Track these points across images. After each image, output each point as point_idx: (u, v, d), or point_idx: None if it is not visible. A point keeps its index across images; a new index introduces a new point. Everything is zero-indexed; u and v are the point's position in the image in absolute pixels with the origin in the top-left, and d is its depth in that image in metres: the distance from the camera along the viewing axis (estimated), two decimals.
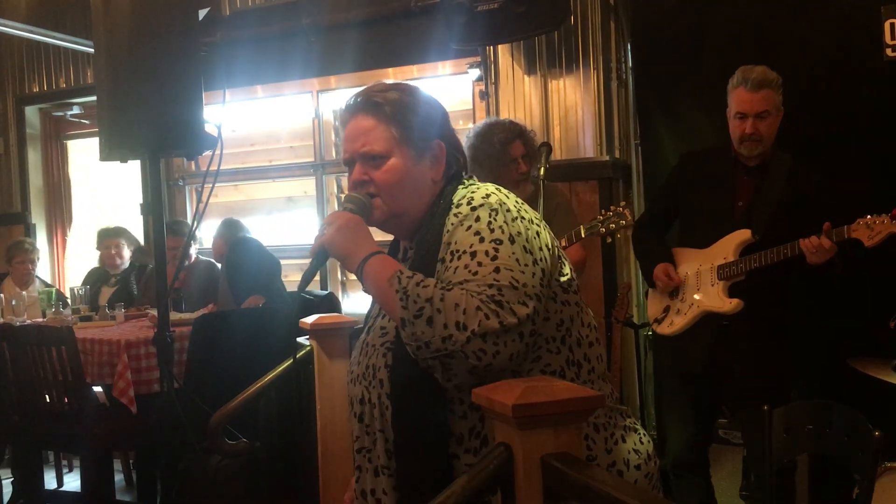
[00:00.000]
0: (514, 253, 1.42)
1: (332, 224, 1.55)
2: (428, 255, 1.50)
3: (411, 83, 1.69)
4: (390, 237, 1.76)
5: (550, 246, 1.53)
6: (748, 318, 2.86)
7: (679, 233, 3.18)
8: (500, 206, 1.48)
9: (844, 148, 3.38)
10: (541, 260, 1.46)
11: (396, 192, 1.58)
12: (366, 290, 1.54)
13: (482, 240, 1.43)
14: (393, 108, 1.58)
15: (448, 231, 1.48)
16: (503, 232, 1.44)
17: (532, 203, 3.27)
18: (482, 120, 3.71)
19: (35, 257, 5.42)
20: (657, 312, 3.12)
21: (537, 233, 1.50)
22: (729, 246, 2.90)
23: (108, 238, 5.30)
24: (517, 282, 1.39)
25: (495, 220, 1.45)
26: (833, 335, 3.36)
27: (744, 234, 2.88)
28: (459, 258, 1.43)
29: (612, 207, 3.17)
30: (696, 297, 2.97)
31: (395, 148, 1.57)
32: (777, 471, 2.44)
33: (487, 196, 1.50)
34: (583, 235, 3.17)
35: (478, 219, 1.46)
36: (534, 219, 1.53)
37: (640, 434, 1.59)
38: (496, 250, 1.42)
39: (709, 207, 3.00)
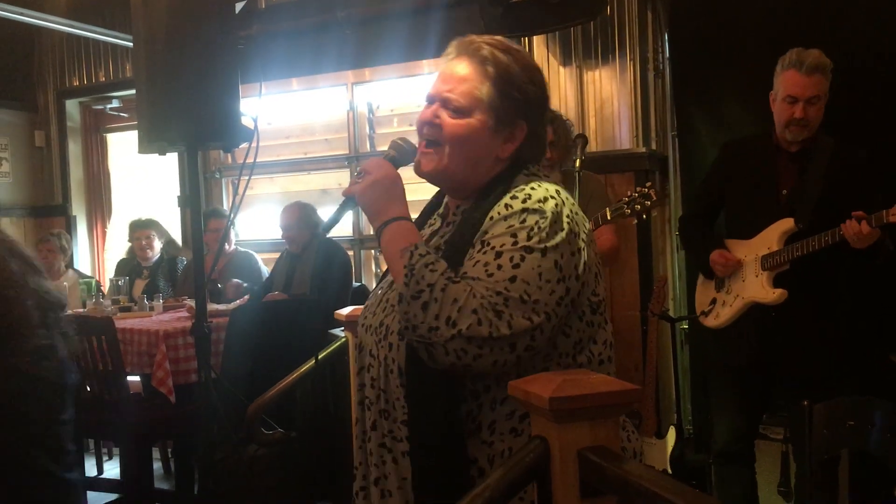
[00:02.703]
0: (539, 266, 1.38)
1: (368, 175, 1.52)
2: (467, 234, 1.47)
3: (527, 53, 1.61)
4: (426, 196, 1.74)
5: (591, 263, 1.48)
6: (796, 309, 2.82)
7: (725, 224, 3.14)
8: (553, 213, 1.43)
9: (886, 133, 3.32)
10: (570, 278, 1.42)
11: (458, 149, 1.52)
12: (381, 252, 1.53)
13: (515, 243, 1.39)
14: (497, 70, 1.51)
15: (492, 218, 1.44)
16: (539, 242, 1.39)
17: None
18: None
19: (57, 246, 5.39)
20: (704, 305, 3.09)
21: (579, 249, 1.45)
22: (773, 235, 2.86)
23: (139, 229, 5.34)
24: (528, 296, 1.36)
25: (538, 227, 1.40)
26: (875, 329, 3.31)
27: (787, 224, 2.84)
28: (485, 253, 1.41)
29: (637, 189, 3.13)
30: (741, 288, 2.93)
31: (477, 108, 1.51)
32: (820, 465, 2.40)
33: (545, 200, 1.44)
34: (609, 218, 3.15)
35: (523, 221, 1.41)
36: (582, 232, 1.47)
37: (626, 432, 1.56)
38: (522, 259, 1.38)
39: (753, 197, 2.95)
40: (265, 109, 5.43)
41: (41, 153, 6.43)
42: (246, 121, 3.18)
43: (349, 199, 1.55)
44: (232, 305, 4.45)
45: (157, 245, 5.37)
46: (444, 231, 1.61)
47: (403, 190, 1.54)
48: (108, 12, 5.72)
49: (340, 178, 5.52)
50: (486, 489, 1.18)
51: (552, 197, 1.46)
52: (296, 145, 5.70)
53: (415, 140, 1.61)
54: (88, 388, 3.97)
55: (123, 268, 5.50)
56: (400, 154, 1.57)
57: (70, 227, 6.29)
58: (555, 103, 4.36)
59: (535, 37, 4.38)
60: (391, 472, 1.53)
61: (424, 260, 1.40)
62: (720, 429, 3.12)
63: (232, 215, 3.47)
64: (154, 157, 3.37)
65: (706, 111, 3.91)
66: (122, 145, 6.51)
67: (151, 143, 3.11)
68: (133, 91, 3.33)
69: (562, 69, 4.42)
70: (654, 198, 3.06)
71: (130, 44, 3.31)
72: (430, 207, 1.73)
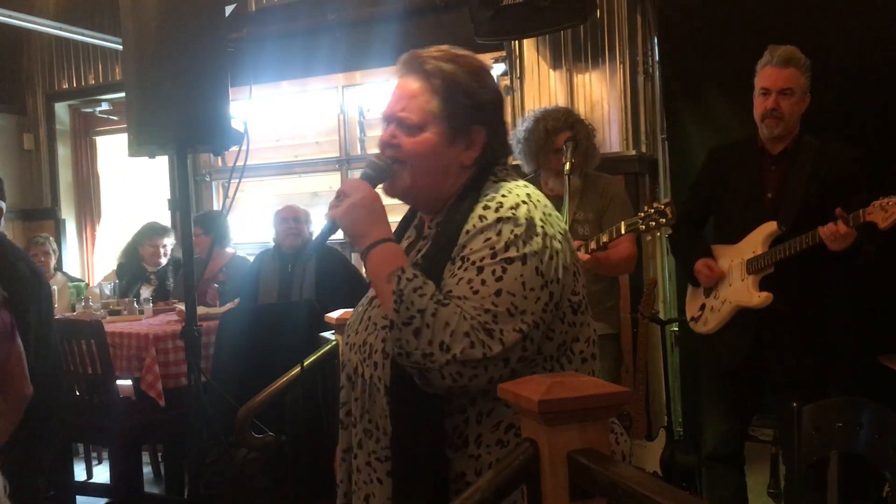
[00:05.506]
0: (521, 275, 1.39)
1: (347, 198, 1.51)
2: (444, 248, 1.47)
3: (473, 57, 1.59)
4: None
5: (568, 264, 1.48)
6: (784, 311, 2.83)
7: (714, 229, 3.15)
8: (527, 220, 1.44)
9: (874, 136, 3.33)
10: (552, 282, 1.43)
11: (420, 165, 1.53)
12: (367, 275, 1.52)
13: (494, 256, 1.40)
14: (443, 81, 1.52)
15: (468, 232, 1.45)
16: (518, 251, 1.40)
17: (581, 196, 3.27)
18: (541, 107, 3.60)
19: (48, 249, 5.34)
20: (694, 311, 3.09)
21: (557, 251, 1.45)
22: (757, 239, 2.87)
23: (157, 236, 5.23)
24: (515, 308, 1.37)
25: (514, 235, 1.41)
26: (863, 331, 3.32)
27: (770, 227, 2.84)
28: (466, 269, 1.41)
29: (654, 204, 3.09)
30: (728, 293, 2.94)
31: (430, 122, 1.52)
32: (809, 466, 2.41)
33: (516, 206, 1.45)
34: (623, 232, 3.12)
35: (499, 232, 1.42)
36: (557, 234, 1.48)
37: (614, 435, 1.56)
38: (504, 270, 1.39)
39: (739, 201, 2.96)
40: (255, 112, 5.42)
41: (30, 156, 6.41)
42: (236, 124, 3.18)
43: (330, 225, 1.54)
44: (222, 309, 4.43)
45: (170, 252, 5.32)
46: (420, 245, 1.60)
47: (384, 209, 1.53)
48: (98, 15, 5.71)
49: (331, 181, 5.51)
50: (476, 492, 1.19)
51: (523, 202, 1.47)
52: (286, 148, 5.70)
53: None
54: (78, 392, 3.95)
55: (125, 272, 5.41)
56: (376, 172, 1.55)
57: (59, 230, 6.26)
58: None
59: (524, 40, 4.39)
60: (377, 492, 1.52)
61: (413, 284, 1.39)
62: (710, 431, 3.12)
63: (223, 217, 3.46)
64: (144, 161, 3.37)
65: (695, 114, 3.92)
66: (111, 148, 6.49)
67: (141, 146, 3.11)
68: (123, 94, 3.32)
69: (552, 72, 4.43)
70: (670, 216, 3.03)
71: (120, 47, 3.30)
72: (406, 220, 1.72)
